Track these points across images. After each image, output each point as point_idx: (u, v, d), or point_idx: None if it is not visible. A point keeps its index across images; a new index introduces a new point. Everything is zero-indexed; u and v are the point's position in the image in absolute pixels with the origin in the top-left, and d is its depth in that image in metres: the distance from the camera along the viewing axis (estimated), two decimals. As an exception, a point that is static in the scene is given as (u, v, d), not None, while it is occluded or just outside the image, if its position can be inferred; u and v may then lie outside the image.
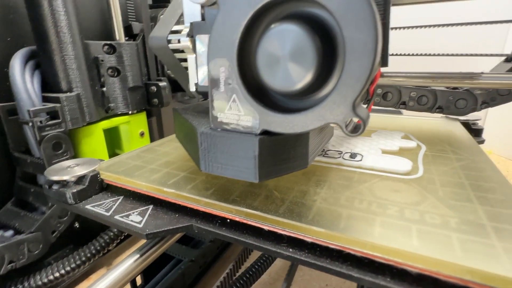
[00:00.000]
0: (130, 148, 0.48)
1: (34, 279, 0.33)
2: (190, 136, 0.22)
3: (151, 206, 0.25)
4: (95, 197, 0.27)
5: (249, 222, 0.20)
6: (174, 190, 0.24)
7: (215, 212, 0.22)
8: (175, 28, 0.27)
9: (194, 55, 0.24)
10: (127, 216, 0.24)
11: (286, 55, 0.16)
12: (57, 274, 0.34)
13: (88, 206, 0.25)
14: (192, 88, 0.25)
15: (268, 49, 0.16)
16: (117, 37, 0.44)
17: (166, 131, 0.56)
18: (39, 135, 0.32)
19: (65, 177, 0.26)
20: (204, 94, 0.26)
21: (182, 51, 0.27)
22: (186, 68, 0.27)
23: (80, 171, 0.27)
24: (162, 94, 0.48)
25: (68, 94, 0.36)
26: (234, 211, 0.21)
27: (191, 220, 0.22)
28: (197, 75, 0.24)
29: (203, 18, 0.24)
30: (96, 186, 0.27)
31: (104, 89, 0.42)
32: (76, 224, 0.43)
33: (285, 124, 0.17)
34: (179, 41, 0.26)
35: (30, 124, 0.31)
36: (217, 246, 0.45)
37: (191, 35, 0.24)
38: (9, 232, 0.34)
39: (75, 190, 0.26)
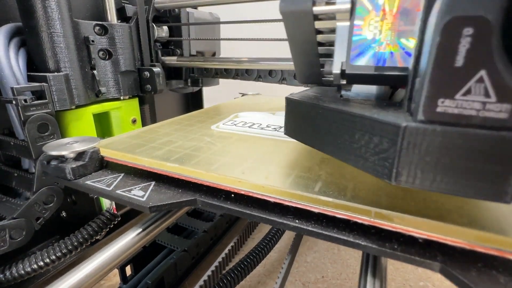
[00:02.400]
0: (121, 135, 0.46)
1: (16, 268, 0.31)
2: (364, 134, 0.16)
3: (153, 182, 0.25)
4: (95, 174, 0.27)
5: (254, 195, 0.20)
6: (178, 165, 0.23)
7: (220, 186, 0.21)
8: None
9: (349, 23, 0.18)
10: (129, 191, 0.23)
11: None
12: (41, 263, 0.32)
13: (88, 182, 0.25)
14: (336, 69, 0.19)
15: None
16: (109, 18, 0.42)
17: (160, 119, 0.54)
18: (23, 115, 0.30)
19: (64, 152, 0.26)
20: (354, 78, 0.19)
21: (327, 18, 0.20)
22: (320, 44, 0.21)
23: (80, 147, 0.27)
24: (155, 80, 0.46)
25: (56, 73, 0.34)
26: (238, 183, 0.20)
27: (194, 194, 0.22)
28: (350, 51, 0.18)
29: None
30: (96, 163, 0.27)
31: (95, 72, 0.40)
32: (63, 213, 0.41)
33: None
34: (329, 3, 0.18)
35: (14, 102, 0.30)
36: (211, 237, 0.43)
37: None
38: (-10, 219, 0.32)
39: (74, 166, 0.25)
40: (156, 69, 0.46)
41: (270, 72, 0.48)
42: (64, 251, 0.34)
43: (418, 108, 0.13)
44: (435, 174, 0.13)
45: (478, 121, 0.12)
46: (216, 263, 0.36)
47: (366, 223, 0.17)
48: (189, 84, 0.55)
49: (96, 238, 0.36)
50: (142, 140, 0.30)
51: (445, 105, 0.13)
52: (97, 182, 0.25)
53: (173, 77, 0.54)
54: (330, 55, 0.22)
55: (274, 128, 0.33)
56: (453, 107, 0.12)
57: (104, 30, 0.41)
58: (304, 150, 0.27)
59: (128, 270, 0.39)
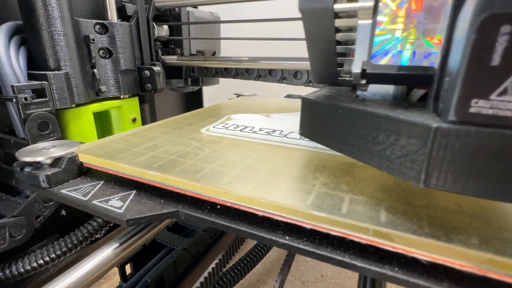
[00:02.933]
0: (121, 134, 0.46)
1: (16, 266, 0.32)
2: (390, 135, 0.15)
3: (134, 191, 0.23)
4: (72, 181, 0.25)
5: (241, 208, 0.18)
6: (160, 173, 0.22)
7: (204, 197, 0.20)
8: None
9: (371, 21, 0.17)
10: (107, 201, 0.22)
11: None
12: (40, 261, 0.32)
13: (63, 191, 0.23)
14: (356, 68, 0.19)
15: None
16: (110, 17, 0.42)
17: (160, 117, 0.54)
18: (23, 113, 0.30)
19: (38, 158, 0.24)
20: (375, 78, 0.19)
21: (348, 16, 0.20)
22: (338, 43, 0.21)
23: (56, 152, 0.25)
24: (155, 79, 0.46)
25: (56, 72, 0.34)
26: (224, 194, 0.19)
27: (177, 205, 0.21)
28: (371, 50, 0.18)
29: None
30: (74, 169, 0.25)
31: (95, 70, 0.40)
32: (63, 212, 0.41)
33: None
34: (351, 0, 0.18)
35: (14, 100, 0.30)
36: (211, 235, 0.43)
37: None
38: (-11, 216, 0.32)
39: (49, 173, 0.24)
40: (156, 68, 0.46)
41: (270, 72, 0.48)
42: (64, 249, 0.34)
43: (449, 109, 0.12)
44: (468, 176, 0.13)
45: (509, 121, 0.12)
46: (215, 262, 0.36)
47: (363, 241, 0.15)
48: (189, 83, 0.55)
49: (96, 236, 0.36)
50: (125, 144, 0.29)
51: (479, 106, 0.12)
52: (74, 191, 0.23)
53: (173, 76, 0.54)
54: (347, 55, 0.22)
55: (267, 132, 0.31)
56: (487, 108, 0.12)
57: (105, 29, 0.41)
58: (297, 156, 0.25)
59: (128, 268, 0.39)
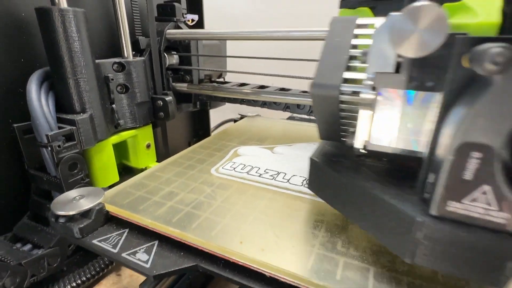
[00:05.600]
0: (137, 159, 0.50)
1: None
2: (384, 214, 0.19)
3: (156, 242, 0.26)
4: (100, 229, 0.28)
5: (251, 267, 0.21)
6: (179, 230, 0.25)
7: (219, 255, 0.23)
8: (346, 75, 0.22)
9: (372, 112, 0.21)
10: (134, 254, 0.25)
11: None
12: (73, 284, 0.37)
13: (95, 241, 0.26)
14: (358, 145, 0.22)
15: None
16: (126, 54, 0.45)
17: (171, 141, 0.58)
18: (56, 158, 0.34)
19: (71, 212, 0.27)
20: (374, 153, 0.22)
21: (352, 103, 0.22)
22: (342, 119, 0.24)
23: (86, 204, 0.28)
24: (168, 108, 0.50)
25: (82, 116, 0.37)
26: (236, 254, 0.22)
27: (196, 259, 0.24)
28: (370, 133, 0.21)
29: (397, 69, 0.20)
30: (102, 219, 0.29)
31: (114, 106, 0.43)
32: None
33: None
34: (354, 93, 0.21)
35: (49, 148, 0.33)
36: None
37: (374, 88, 0.20)
38: (28, 246, 0.37)
39: (82, 225, 0.27)
40: (169, 98, 0.50)
41: (275, 101, 0.52)
42: (93, 273, 0.38)
43: (431, 205, 0.16)
44: (443, 259, 0.16)
45: (481, 222, 0.16)
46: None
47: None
48: (198, 107, 0.59)
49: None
50: (145, 191, 0.32)
51: (454, 206, 0.16)
52: (104, 241, 0.26)
53: (183, 101, 0.57)
54: (351, 124, 0.25)
55: (272, 176, 0.35)
56: (461, 209, 0.16)
57: (122, 67, 0.44)
58: (298, 207, 0.29)
59: None
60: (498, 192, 0.15)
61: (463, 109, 0.15)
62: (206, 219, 0.27)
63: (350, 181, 0.22)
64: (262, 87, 0.52)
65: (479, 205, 0.15)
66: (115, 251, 0.25)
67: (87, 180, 0.38)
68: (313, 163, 0.26)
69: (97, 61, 0.40)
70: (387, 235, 0.19)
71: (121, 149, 0.50)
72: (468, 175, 0.15)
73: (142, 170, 0.49)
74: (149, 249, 0.25)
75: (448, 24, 0.15)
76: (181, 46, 0.54)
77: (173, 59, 0.53)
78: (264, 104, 0.53)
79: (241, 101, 0.54)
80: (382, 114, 0.20)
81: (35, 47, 0.39)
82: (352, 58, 0.23)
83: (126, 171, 0.51)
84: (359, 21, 0.25)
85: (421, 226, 0.16)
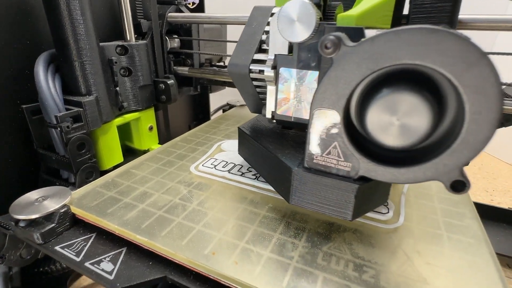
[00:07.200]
0: (140, 141, 0.51)
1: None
2: (277, 169, 0.24)
3: (124, 249, 0.24)
4: (66, 233, 0.25)
5: (222, 282, 0.20)
6: (147, 238, 0.23)
7: (189, 267, 0.21)
8: (256, 57, 0.27)
9: (275, 87, 0.25)
10: (99, 263, 0.22)
11: (399, 116, 0.16)
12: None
13: (57, 248, 0.24)
14: (268, 115, 0.27)
15: (380, 109, 0.16)
16: (128, 38, 0.46)
17: (172, 124, 0.59)
18: (65, 138, 0.36)
19: (33, 216, 0.25)
20: (280, 122, 0.28)
21: (261, 80, 0.27)
22: (259, 94, 0.29)
23: (49, 206, 0.26)
24: (170, 91, 0.51)
25: (88, 98, 0.38)
26: (206, 268, 0.20)
27: (165, 270, 0.22)
28: (276, 104, 0.26)
29: (290, 51, 0.24)
30: (67, 222, 0.26)
31: (117, 88, 0.45)
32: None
33: (387, 175, 0.18)
34: (260, 72, 0.26)
35: (59, 129, 0.35)
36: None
37: (275, 67, 0.25)
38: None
39: (43, 230, 0.24)
40: (170, 81, 0.51)
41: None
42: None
43: (305, 158, 0.21)
44: (312, 199, 0.21)
45: (335, 170, 0.20)
46: None
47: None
48: (198, 91, 0.60)
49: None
50: (116, 191, 0.29)
51: (317, 159, 0.21)
52: (67, 247, 0.24)
53: (184, 84, 0.58)
54: (265, 98, 0.29)
55: (254, 175, 0.32)
56: (322, 161, 0.21)
57: (125, 50, 0.45)
58: (276, 212, 0.26)
59: None
60: (343, 147, 0.19)
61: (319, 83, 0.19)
62: (179, 225, 0.24)
63: (260, 145, 0.27)
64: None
65: (333, 157, 0.20)
66: (78, 259, 0.22)
67: (94, 160, 0.40)
68: (240, 132, 0.31)
69: (101, 44, 0.41)
70: (278, 184, 0.24)
71: (124, 131, 0.51)
72: (325, 134, 0.20)
73: (145, 151, 0.51)
74: (115, 258, 0.23)
75: (315, 18, 0.20)
76: (182, 30, 0.54)
77: (174, 43, 0.54)
78: (263, 89, 0.54)
79: (241, 86, 0.56)
80: (281, 88, 0.25)
81: (41, 30, 0.39)
82: (263, 42, 0.28)
83: (129, 153, 0.53)
84: (274, 10, 0.28)
85: (295, 175, 0.21)
